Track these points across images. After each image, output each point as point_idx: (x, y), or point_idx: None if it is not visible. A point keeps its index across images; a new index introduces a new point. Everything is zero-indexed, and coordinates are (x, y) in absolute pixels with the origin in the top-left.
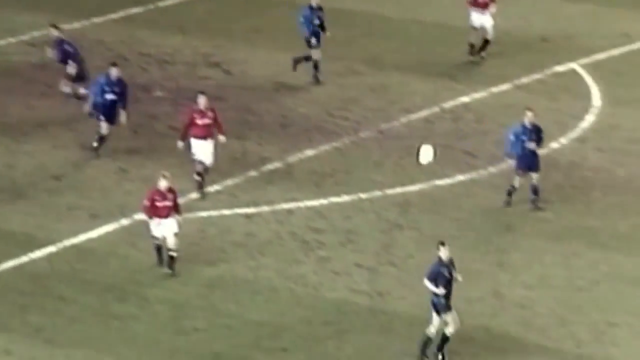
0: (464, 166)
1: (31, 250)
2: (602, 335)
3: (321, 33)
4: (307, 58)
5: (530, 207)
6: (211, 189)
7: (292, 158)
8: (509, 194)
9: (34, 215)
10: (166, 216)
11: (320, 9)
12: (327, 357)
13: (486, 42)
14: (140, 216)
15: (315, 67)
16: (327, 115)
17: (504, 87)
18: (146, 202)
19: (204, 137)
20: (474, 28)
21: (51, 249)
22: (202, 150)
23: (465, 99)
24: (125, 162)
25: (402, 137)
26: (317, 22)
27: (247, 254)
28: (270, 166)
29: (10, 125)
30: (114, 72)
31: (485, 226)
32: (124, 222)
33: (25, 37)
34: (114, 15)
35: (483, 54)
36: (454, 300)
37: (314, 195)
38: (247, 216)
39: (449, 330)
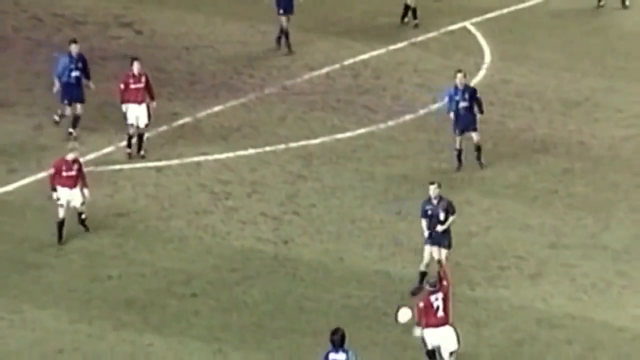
0: (364, 120)
1: None
2: (494, 278)
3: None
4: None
5: (478, 165)
6: (122, 144)
7: (201, 114)
8: (458, 157)
9: None
10: (72, 186)
11: None
12: (235, 302)
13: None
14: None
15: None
16: (233, 72)
17: (401, 45)
18: (51, 171)
19: (138, 102)
20: None
21: None
22: (136, 113)
23: (364, 56)
24: (40, 118)
25: (305, 92)
26: None
27: (158, 205)
28: (179, 121)
29: None
30: (75, 49)
31: (383, 177)
32: (40, 175)
33: None
34: None
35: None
36: None
37: (221, 149)
38: (158, 169)
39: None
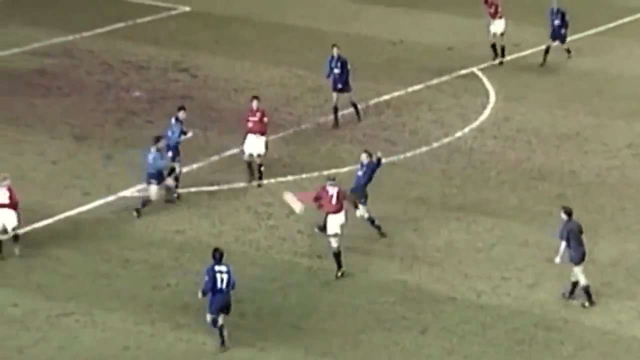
0: (386, 152)
1: (34, 221)
2: (497, 287)
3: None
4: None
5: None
6: (183, 169)
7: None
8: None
9: (36, 193)
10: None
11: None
12: (275, 306)
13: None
14: (125, 193)
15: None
16: (274, 110)
17: (418, 87)
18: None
19: (255, 133)
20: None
21: (49, 220)
22: (253, 143)
23: (386, 97)
24: (111, 150)
25: (335, 128)
26: (337, 70)
27: (210, 223)
28: (228, 152)
29: (15, 119)
30: (182, 115)
31: (401, 200)
32: (110, 198)
33: (27, 48)
34: (100, 30)
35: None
36: None
37: (264, 176)
38: (210, 193)
39: None
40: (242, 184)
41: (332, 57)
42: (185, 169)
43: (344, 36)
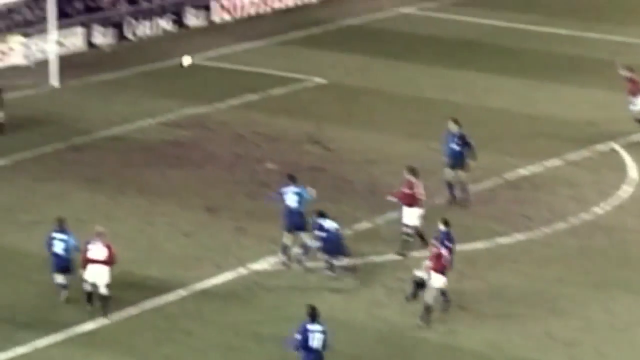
0: (522, 227)
1: (165, 292)
2: None
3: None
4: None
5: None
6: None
7: (379, 219)
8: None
9: (168, 264)
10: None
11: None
12: None
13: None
14: (256, 266)
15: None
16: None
17: (556, 161)
18: (82, 255)
19: (410, 205)
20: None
21: (182, 292)
22: (408, 214)
23: (522, 171)
24: (242, 222)
25: (470, 204)
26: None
27: (341, 297)
28: (360, 225)
29: (148, 190)
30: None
31: (538, 278)
32: (242, 271)
33: (161, 119)
34: (233, 101)
35: None
36: None
37: (396, 250)
38: (342, 267)
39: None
40: (375, 258)
41: (451, 132)
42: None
43: (477, 109)
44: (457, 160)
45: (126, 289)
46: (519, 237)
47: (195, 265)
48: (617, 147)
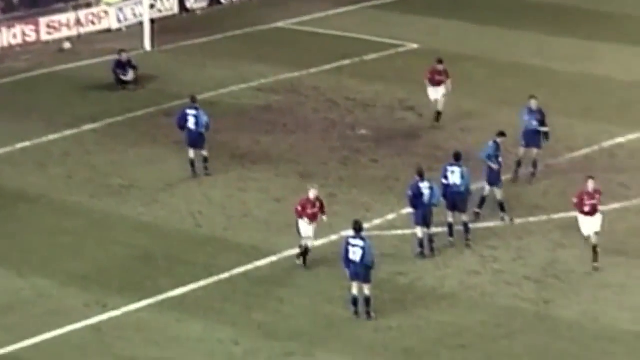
0: (619, 196)
1: (257, 259)
2: None
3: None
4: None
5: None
6: (404, 212)
7: (473, 186)
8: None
9: (259, 230)
10: (313, 220)
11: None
12: (499, 354)
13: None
14: (345, 233)
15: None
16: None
17: None
18: (299, 207)
19: (590, 214)
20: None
21: (273, 258)
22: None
23: (620, 139)
24: (334, 188)
25: (566, 171)
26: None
27: (434, 266)
28: None
29: (240, 156)
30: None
31: (635, 248)
32: (333, 237)
33: (254, 84)
34: (326, 67)
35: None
36: None
37: (490, 218)
38: (432, 234)
39: None
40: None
41: (530, 108)
42: (403, 211)
43: (576, 76)
44: (534, 139)
45: (217, 254)
46: (615, 205)
47: (286, 231)
48: None
